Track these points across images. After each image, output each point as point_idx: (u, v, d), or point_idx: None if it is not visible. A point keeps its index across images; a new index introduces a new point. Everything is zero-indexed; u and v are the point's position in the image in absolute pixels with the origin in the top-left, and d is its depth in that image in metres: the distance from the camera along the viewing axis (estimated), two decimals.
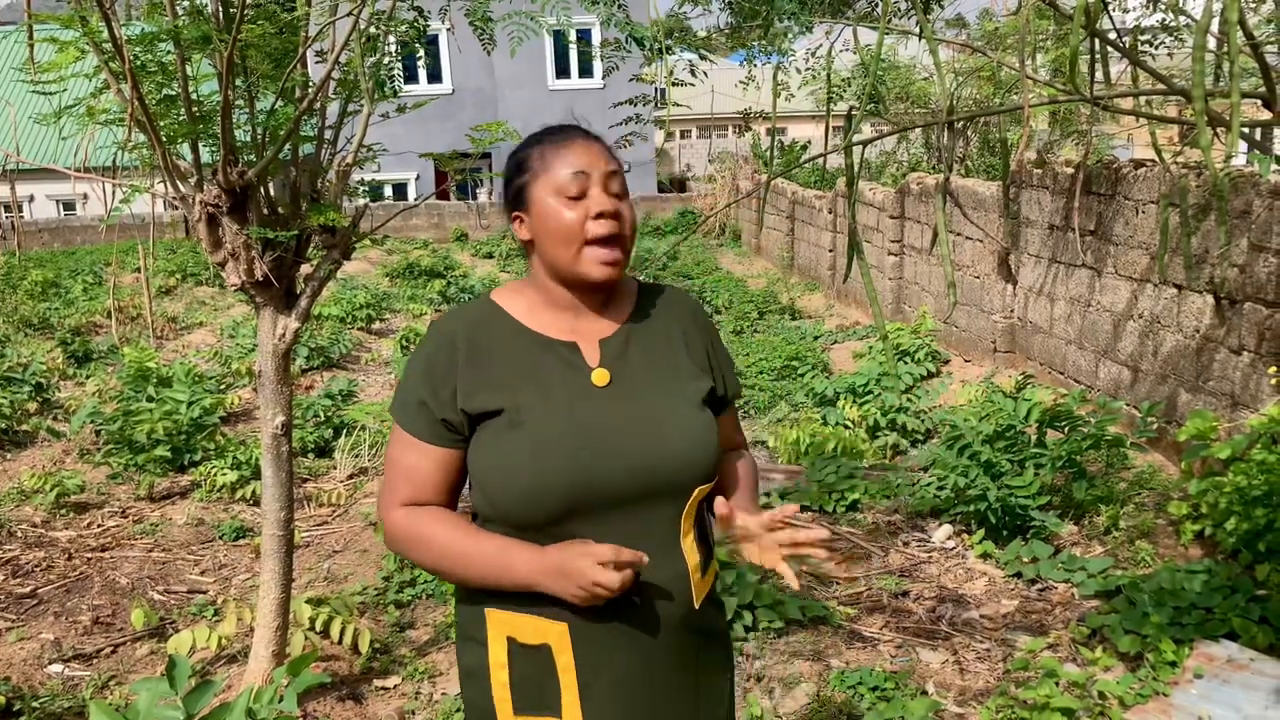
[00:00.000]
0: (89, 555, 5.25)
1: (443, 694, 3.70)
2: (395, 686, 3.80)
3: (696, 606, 1.71)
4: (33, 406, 7.91)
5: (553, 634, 1.64)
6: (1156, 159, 5.71)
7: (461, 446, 1.69)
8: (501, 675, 1.68)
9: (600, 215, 1.63)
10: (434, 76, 22.54)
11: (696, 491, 1.68)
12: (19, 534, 5.48)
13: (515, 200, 1.72)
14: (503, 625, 1.67)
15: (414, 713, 3.61)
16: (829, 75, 2.28)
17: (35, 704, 3.59)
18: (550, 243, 1.66)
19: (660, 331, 1.77)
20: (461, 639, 1.76)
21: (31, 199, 24.02)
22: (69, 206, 24.55)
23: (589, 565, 1.54)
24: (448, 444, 1.68)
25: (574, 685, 1.65)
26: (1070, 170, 7.07)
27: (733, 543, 1.71)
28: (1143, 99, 3.10)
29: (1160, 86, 2.40)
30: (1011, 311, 8.21)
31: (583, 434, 1.62)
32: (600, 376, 1.68)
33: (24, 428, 7.46)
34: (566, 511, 1.61)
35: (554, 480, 1.59)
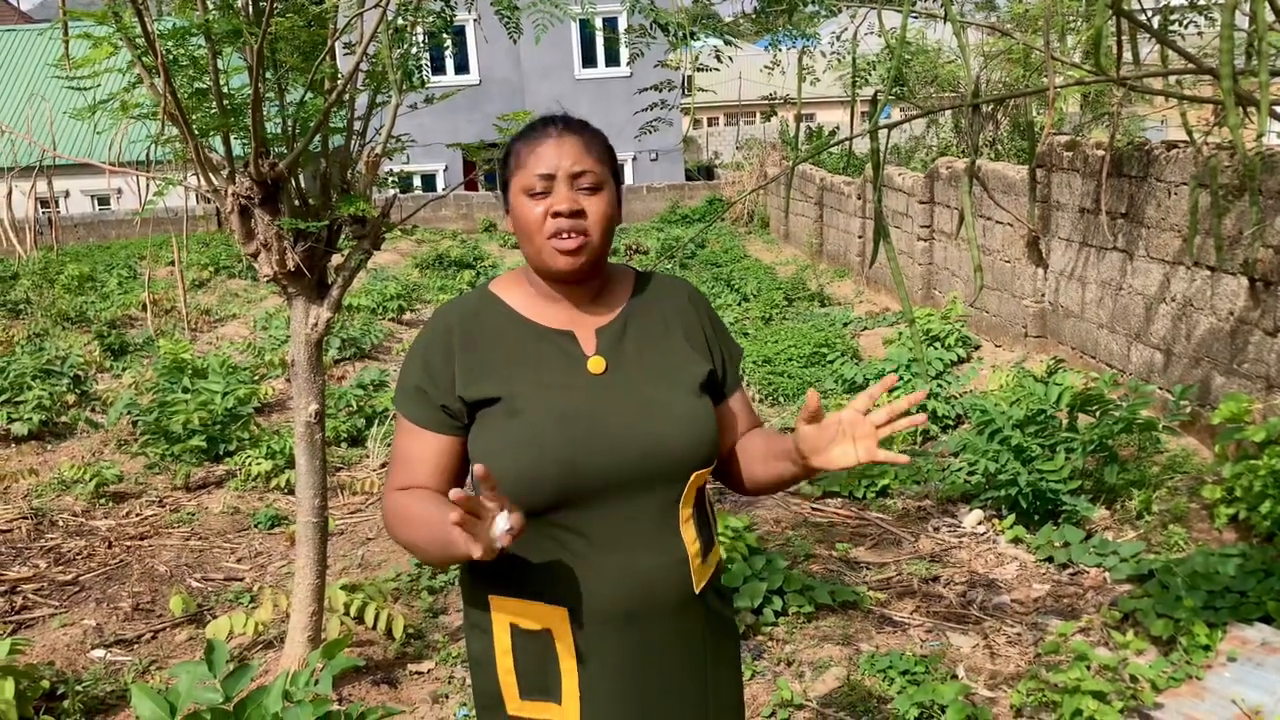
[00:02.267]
0: (128, 543, 5.34)
1: None
2: (429, 671, 3.85)
3: (697, 592, 1.73)
4: (71, 398, 8.03)
5: (553, 619, 1.66)
6: (1189, 140, 5.64)
7: (461, 434, 1.71)
8: (506, 661, 1.71)
9: (557, 214, 1.66)
10: (461, 67, 22.61)
11: (694, 477, 1.69)
12: (60, 523, 5.58)
13: (503, 194, 1.77)
14: (505, 613, 1.70)
15: (447, 696, 3.65)
16: (854, 59, 2.28)
17: (79, 687, 3.67)
18: (520, 238, 1.72)
19: (657, 318, 1.79)
20: (468, 627, 1.79)
21: (67, 194, 24.30)
22: (104, 201, 24.85)
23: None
24: (447, 430, 1.71)
25: (574, 671, 1.67)
26: (1101, 153, 7.00)
27: (819, 448, 1.63)
28: (1173, 79, 3.07)
29: (1189, 66, 2.38)
30: (1042, 296, 8.14)
31: (577, 421, 1.64)
32: (596, 364, 1.71)
33: (63, 419, 7.59)
34: (560, 498, 1.63)
35: (547, 467, 1.61)
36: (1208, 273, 5.80)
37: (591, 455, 1.63)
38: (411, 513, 1.66)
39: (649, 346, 1.76)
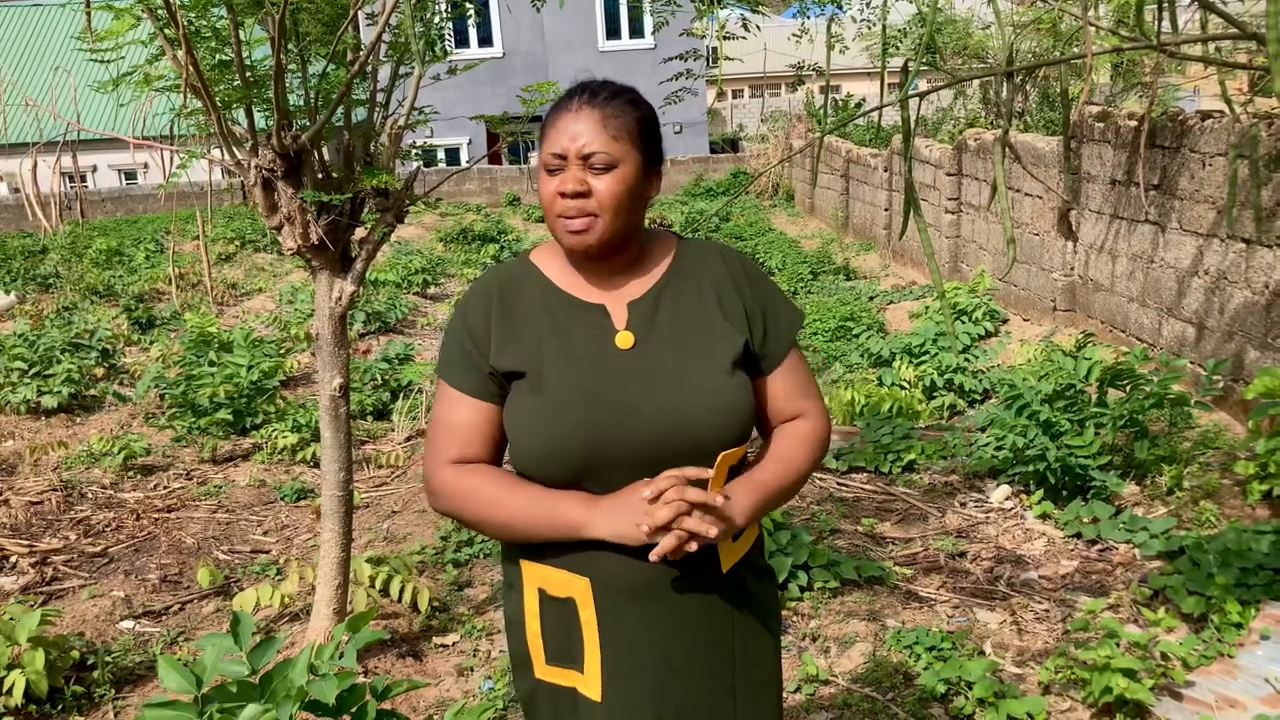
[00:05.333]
0: (156, 516, 5.38)
1: (500, 651, 3.76)
2: (454, 644, 3.86)
3: (724, 571, 1.69)
4: (100, 371, 8.10)
5: (576, 588, 1.67)
6: (1225, 109, 5.53)
7: (502, 401, 1.71)
8: (534, 625, 1.72)
9: (562, 195, 1.65)
10: (484, 40, 22.51)
11: (722, 457, 1.63)
12: (89, 495, 5.63)
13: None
14: (534, 577, 1.71)
15: (472, 669, 3.66)
16: (884, 26, 2.23)
17: (108, 658, 3.70)
18: (542, 210, 1.72)
19: (693, 291, 1.74)
20: (505, 587, 1.81)
21: (94, 169, 24.48)
22: (130, 176, 24.99)
23: (640, 500, 1.57)
24: (491, 398, 1.71)
25: (595, 640, 1.67)
26: (1133, 123, 6.89)
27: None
28: (1212, 45, 3.00)
29: (1232, 31, 2.32)
30: (1072, 269, 8.04)
31: (600, 396, 1.63)
32: (624, 339, 1.69)
33: (92, 392, 7.66)
34: (580, 472, 1.63)
35: (567, 442, 1.61)
36: (1242, 245, 5.70)
37: (613, 432, 1.61)
38: (494, 494, 1.67)
39: (682, 321, 1.72)
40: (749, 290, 1.77)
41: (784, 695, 3.38)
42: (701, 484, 1.60)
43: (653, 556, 1.56)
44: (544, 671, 1.73)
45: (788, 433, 1.78)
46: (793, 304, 1.83)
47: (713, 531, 1.55)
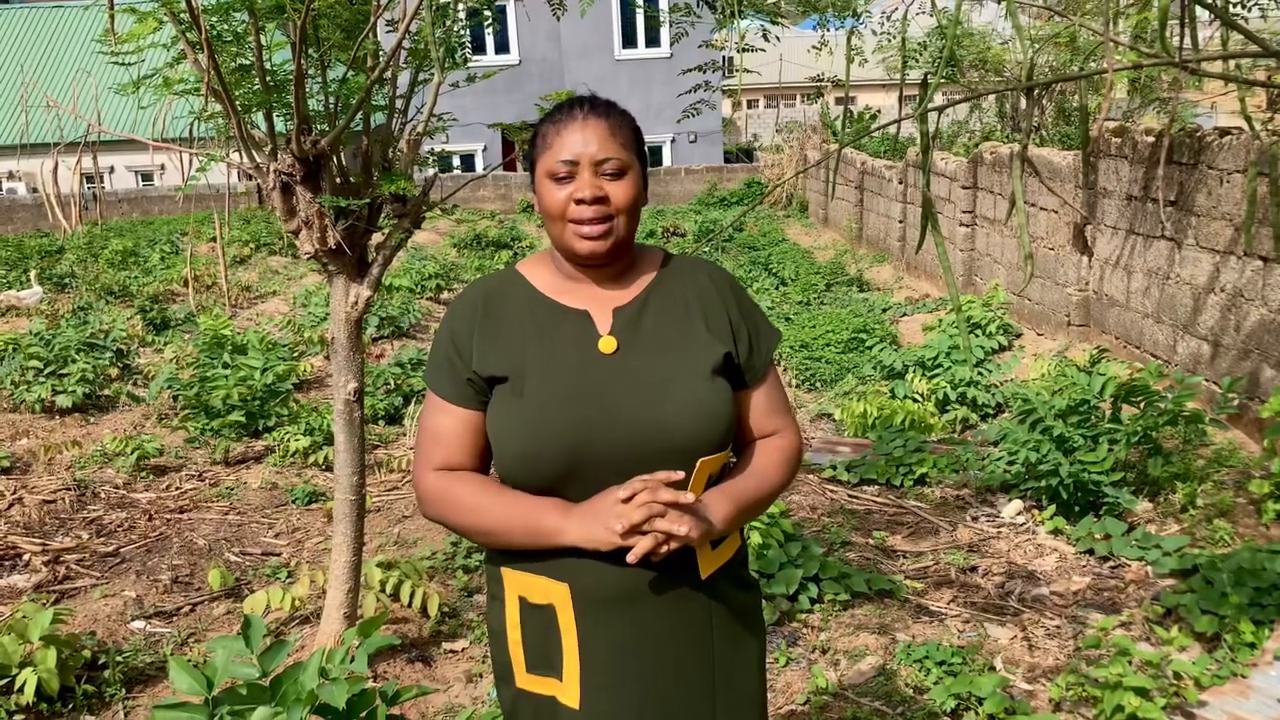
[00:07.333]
0: (168, 516, 5.40)
1: None
2: (463, 650, 3.86)
3: (703, 577, 1.70)
4: (114, 372, 8.14)
5: (556, 594, 1.68)
6: (1244, 126, 5.51)
7: (484, 408, 1.73)
8: (515, 634, 1.74)
9: (580, 201, 1.67)
10: (501, 47, 22.58)
11: (702, 463, 1.65)
12: (102, 495, 5.66)
13: (531, 173, 1.78)
14: (515, 585, 1.72)
15: (481, 675, 3.66)
16: (904, 40, 2.23)
17: (119, 658, 3.71)
18: (545, 219, 1.74)
19: (678, 301, 1.77)
20: (488, 598, 1.82)
21: (112, 170, 24.62)
22: (147, 177, 25.14)
23: (614, 503, 1.58)
24: (473, 405, 1.73)
25: (574, 647, 1.68)
26: (1150, 139, 6.87)
27: None
28: (1233, 62, 2.99)
29: (1252, 49, 2.31)
30: (1086, 284, 8.02)
31: (581, 399, 1.65)
32: (607, 344, 1.71)
33: (106, 392, 7.69)
34: (562, 475, 1.64)
35: (549, 445, 1.63)
36: (1259, 263, 5.67)
37: (593, 435, 1.63)
38: (475, 499, 1.70)
39: (665, 328, 1.74)
40: (734, 306, 1.80)
41: (794, 708, 3.38)
42: (677, 487, 1.61)
43: (630, 558, 1.57)
44: (525, 681, 1.74)
45: (764, 448, 1.81)
46: (772, 324, 1.87)
47: (683, 529, 1.56)
